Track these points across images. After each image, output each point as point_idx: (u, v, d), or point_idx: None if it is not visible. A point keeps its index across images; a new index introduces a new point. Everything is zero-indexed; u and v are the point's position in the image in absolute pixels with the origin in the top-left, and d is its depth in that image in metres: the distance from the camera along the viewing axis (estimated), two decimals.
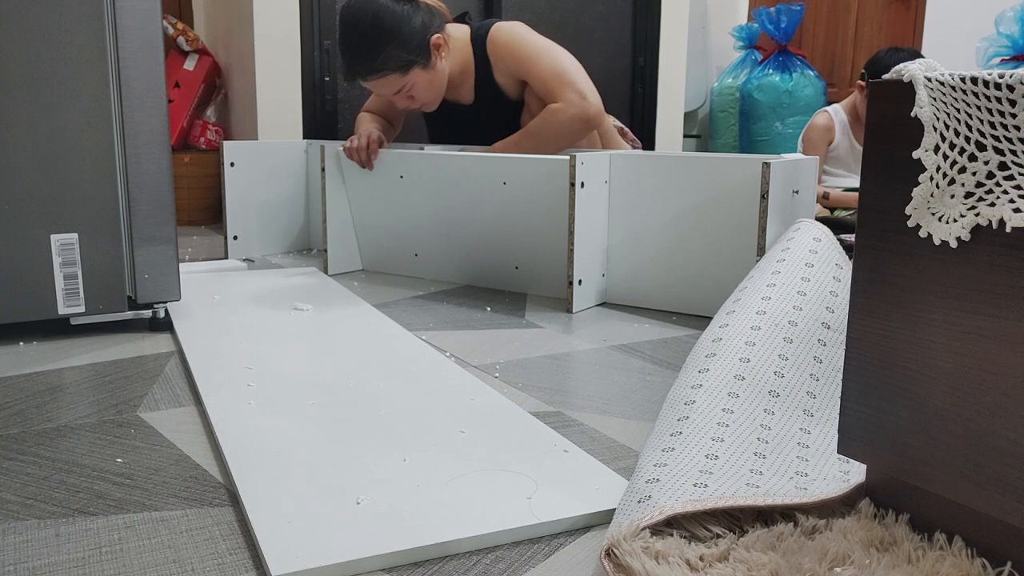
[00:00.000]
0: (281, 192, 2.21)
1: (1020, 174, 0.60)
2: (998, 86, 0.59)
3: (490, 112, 1.94)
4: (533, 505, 0.77)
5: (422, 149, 1.93)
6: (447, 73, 1.87)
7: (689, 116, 4.12)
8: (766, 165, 1.38)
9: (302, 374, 1.16)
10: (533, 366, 1.24)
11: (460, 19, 2.00)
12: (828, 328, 1.05)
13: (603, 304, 1.65)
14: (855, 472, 0.81)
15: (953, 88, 0.62)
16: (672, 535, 0.69)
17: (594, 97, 1.79)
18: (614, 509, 0.76)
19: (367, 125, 1.97)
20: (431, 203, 1.83)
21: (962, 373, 0.64)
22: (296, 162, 2.23)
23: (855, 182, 2.70)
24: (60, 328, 1.42)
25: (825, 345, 1.03)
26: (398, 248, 1.92)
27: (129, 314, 1.39)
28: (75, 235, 1.31)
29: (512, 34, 1.85)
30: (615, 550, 0.66)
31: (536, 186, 1.65)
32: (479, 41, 1.89)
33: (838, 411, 0.84)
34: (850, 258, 1.19)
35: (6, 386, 1.13)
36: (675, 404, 0.89)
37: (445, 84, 1.89)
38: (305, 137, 2.57)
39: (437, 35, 1.81)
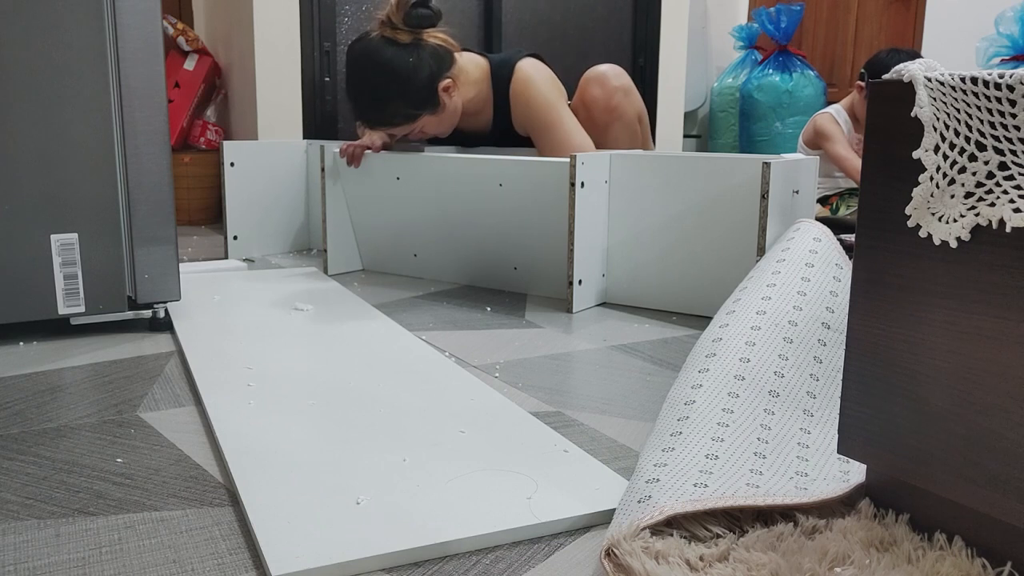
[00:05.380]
0: (281, 192, 2.21)
1: (1020, 174, 0.60)
2: (998, 86, 0.59)
3: (505, 140, 1.99)
4: (533, 505, 0.77)
5: (422, 151, 1.93)
6: (459, 106, 1.88)
7: (689, 116, 4.12)
8: (766, 165, 1.38)
9: (302, 374, 1.16)
10: (533, 366, 1.24)
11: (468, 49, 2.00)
12: (828, 328, 1.05)
13: (603, 304, 1.65)
14: (855, 472, 0.81)
15: (953, 88, 0.62)
16: (672, 535, 0.69)
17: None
18: (614, 509, 0.76)
19: (373, 134, 1.96)
20: (428, 205, 1.83)
21: (962, 373, 0.64)
22: (296, 162, 2.23)
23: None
24: (60, 328, 1.42)
25: (825, 345, 1.03)
26: (396, 249, 1.92)
27: (129, 314, 1.39)
28: (75, 235, 1.31)
29: (528, 83, 1.87)
30: (615, 550, 0.66)
31: (532, 188, 1.65)
32: (502, 82, 1.89)
33: (838, 411, 0.84)
34: (850, 258, 1.19)
35: (6, 386, 1.13)
36: (675, 404, 0.89)
37: (458, 116, 1.90)
38: (305, 137, 2.57)
39: (447, 80, 1.81)
